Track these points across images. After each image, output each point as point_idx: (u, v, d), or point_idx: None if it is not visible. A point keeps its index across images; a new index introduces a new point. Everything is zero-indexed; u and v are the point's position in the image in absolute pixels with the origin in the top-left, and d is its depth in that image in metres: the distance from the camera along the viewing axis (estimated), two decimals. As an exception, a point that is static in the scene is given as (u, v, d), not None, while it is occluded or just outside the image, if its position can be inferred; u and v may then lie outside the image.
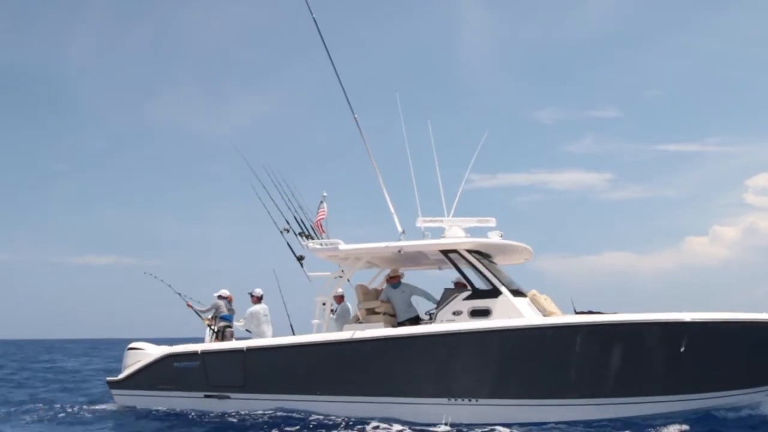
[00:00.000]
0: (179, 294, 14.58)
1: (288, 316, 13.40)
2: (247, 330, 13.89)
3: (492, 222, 12.61)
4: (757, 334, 10.65)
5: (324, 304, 12.96)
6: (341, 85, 13.26)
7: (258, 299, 13.95)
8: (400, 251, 12.31)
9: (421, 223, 12.74)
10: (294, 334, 13.03)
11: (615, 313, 12.16)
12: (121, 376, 13.65)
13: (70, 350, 59.41)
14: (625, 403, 10.78)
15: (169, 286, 14.54)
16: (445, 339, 11.36)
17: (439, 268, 14.34)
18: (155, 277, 14.65)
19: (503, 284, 11.80)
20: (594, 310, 12.33)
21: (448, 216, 13.34)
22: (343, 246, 12.60)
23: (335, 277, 13.16)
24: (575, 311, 12.45)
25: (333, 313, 13.48)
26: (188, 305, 14.39)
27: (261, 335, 13.44)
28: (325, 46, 13.29)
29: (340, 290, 13.77)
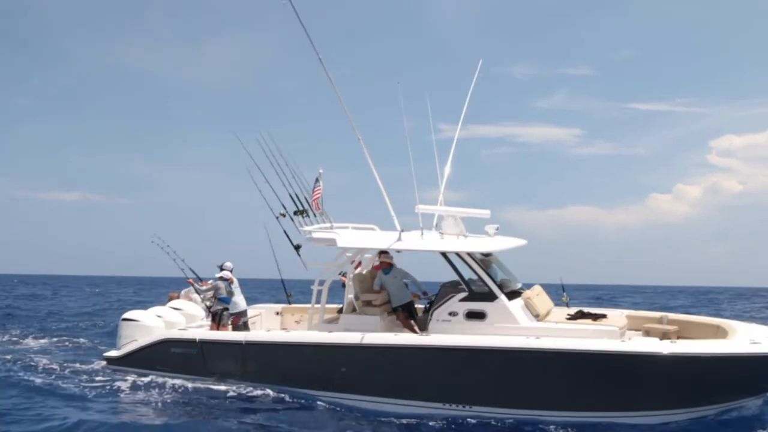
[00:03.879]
0: (182, 270, 15.11)
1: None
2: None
3: (486, 213, 12.71)
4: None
5: (320, 291, 13.16)
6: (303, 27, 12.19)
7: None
8: (399, 252, 12.40)
9: (419, 209, 12.77)
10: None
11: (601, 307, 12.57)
12: (119, 353, 13.92)
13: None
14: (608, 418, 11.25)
15: (175, 253, 15.47)
16: (440, 352, 11.51)
17: None
18: (163, 246, 15.48)
19: (499, 286, 11.99)
20: (584, 310, 12.76)
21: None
22: (341, 242, 12.63)
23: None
24: (564, 292, 12.93)
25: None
26: (189, 281, 14.92)
27: (234, 306, 14.16)
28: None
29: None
